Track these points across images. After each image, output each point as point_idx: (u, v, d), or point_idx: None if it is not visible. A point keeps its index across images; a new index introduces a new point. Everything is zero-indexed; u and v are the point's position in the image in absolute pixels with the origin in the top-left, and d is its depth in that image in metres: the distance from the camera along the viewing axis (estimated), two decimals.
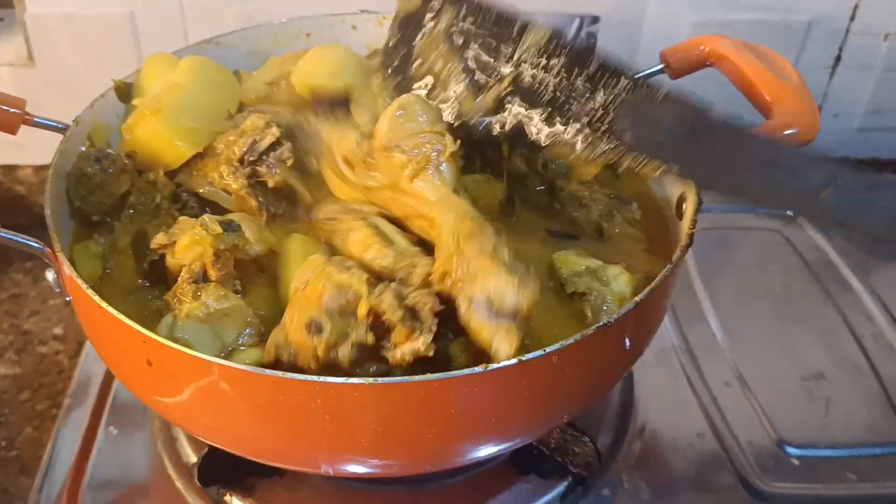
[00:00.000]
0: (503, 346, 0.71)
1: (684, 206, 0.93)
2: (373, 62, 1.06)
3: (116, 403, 1.04)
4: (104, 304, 0.73)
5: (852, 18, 1.39)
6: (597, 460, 0.94)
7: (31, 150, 1.34)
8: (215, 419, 0.76)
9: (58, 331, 1.26)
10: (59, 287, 0.83)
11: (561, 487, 0.94)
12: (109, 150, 0.93)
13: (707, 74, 1.04)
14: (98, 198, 0.90)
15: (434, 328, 0.72)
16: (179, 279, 0.80)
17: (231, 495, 0.92)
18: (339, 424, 0.71)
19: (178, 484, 0.94)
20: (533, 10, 1.31)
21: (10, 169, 1.42)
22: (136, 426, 1.01)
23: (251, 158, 0.89)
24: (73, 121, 0.95)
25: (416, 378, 0.69)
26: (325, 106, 0.95)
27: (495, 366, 0.69)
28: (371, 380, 0.69)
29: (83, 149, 0.96)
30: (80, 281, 0.76)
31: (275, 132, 0.89)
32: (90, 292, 0.75)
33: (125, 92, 1.02)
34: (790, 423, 1.04)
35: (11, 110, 0.91)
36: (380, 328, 0.73)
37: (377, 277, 0.76)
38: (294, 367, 0.75)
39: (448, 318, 0.76)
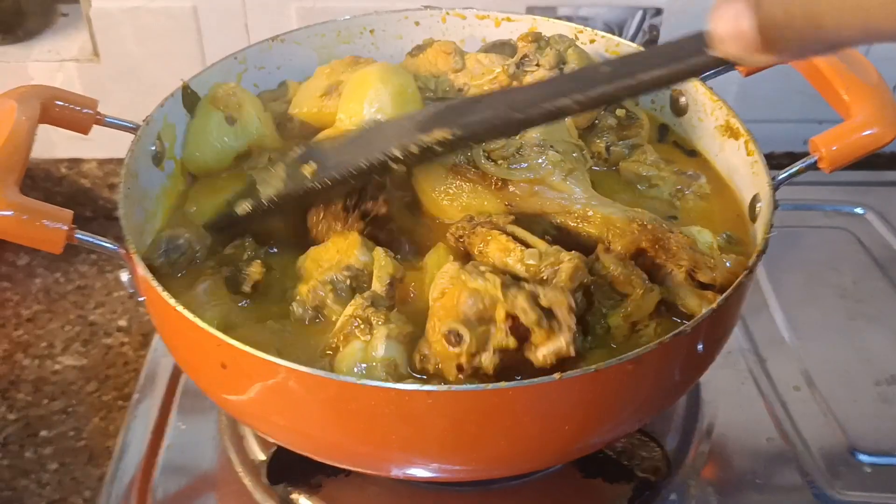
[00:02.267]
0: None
1: (758, 207, 0.91)
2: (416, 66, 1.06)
3: (184, 399, 1.05)
4: (180, 308, 0.74)
5: None
6: (665, 465, 0.93)
7: (96, 143, 1.35)
8: (287, 421, 0.77)
9: (122, 322, 1.27)
10: (133, 288, 0.84)
11: (627, 492, 0.93)
12: (180, 239, 0.89)
13: (780, 71, 1.01)
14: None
15: (573, 326, 0.72)
16: (356, 307, 0.79)
17: (298, 493, 0.92)
18: (411, 431, 0.71)
19: (246, 480, 0.95)
20: (596, 2, 1.31)
21: (75, 162, 1.44)
22: (203, 422, 1.02)
23: (353, 201, 0.88)
24: (144, 120, 0.95)
25: (490, 386, 0.68)
26: None
27: (570, 374, 0.69)
28: (444, 387, 0.69)
29: (153, 148, 0.97)
30: (155, 283, 0.76)
31: None
32: (165, 295, 0.75)
33: (192, 100, 1.02)
34: (862, 428, 1.01)
35: (84, 111, 0.91)
36: (520, 330, 0.74)
37: (516, 279, 0.77)
38: (441, 377, 0.76)
39: (601, 290, 0.80)
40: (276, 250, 0.91)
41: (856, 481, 0.97)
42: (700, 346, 0.80)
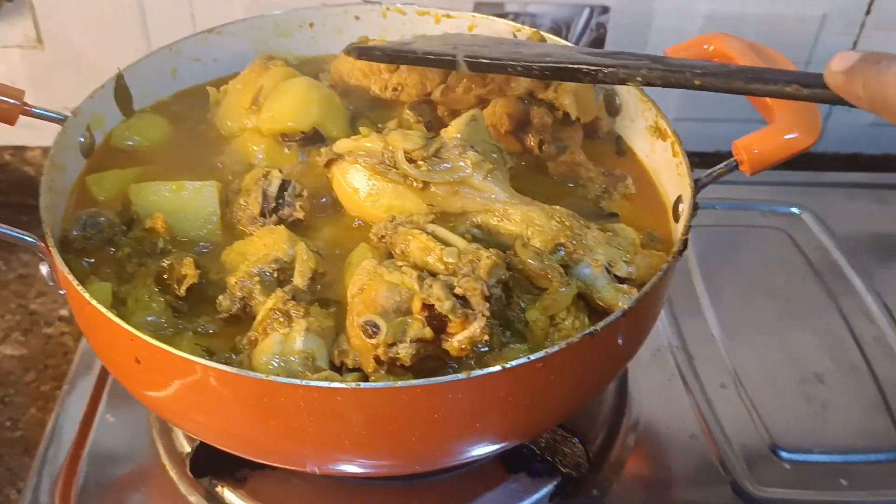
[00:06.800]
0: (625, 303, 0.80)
1: (681, 207, 0.92)
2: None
3: (115, 391, 1.05)
4: (94, 302, 0.74)
5: (868, 12, 1.36)
6: (586, 461, 0.94)
7: (40, 131, 1.34)
8: (201, 417, 0.77)
9: (64, 312, 1.27)
10: (52, 281, 0.84)
11: (550, 487, 0.94)
12: (101, 217, 0.89)
13: None
14: (88, 256, 0.89)
15: (486, 313, 0.74)
16: (276, 300, 0.80)
17: (223, 486, 0.93)
18: (323, 427, 0.72)
19: (172, 473, 0.96)
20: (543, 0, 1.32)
21: (19, 150, 1.43)
22: (132, 414, 1.02)
23: (270, 206, 0.90)
24: (72, 112, 0.95)
25: (399, 383, 0.69)
26: (297, 143, 0.98)
27: (478, 372, 0.70)
28: (354, 384, 0.69)
29: (82, 139, 0.96)
30: (71, 277, 0.77)
31: (277, 174, 0.91)
32: (80, 289, 0.75)
33: (123, 94, 1.02)
34: (785, 427, 1.03)
35: (10, 101, 0.91)
36: (437, 321, 0.75)
37: (433, 275, 0.78)
38: (360, 372, 0.77)
39: (520, 285, 0.81)
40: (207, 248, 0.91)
41: (775, 478, 0.99)
42: (616, 345, 0.81)
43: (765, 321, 1.17)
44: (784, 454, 1.01)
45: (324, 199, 0.93)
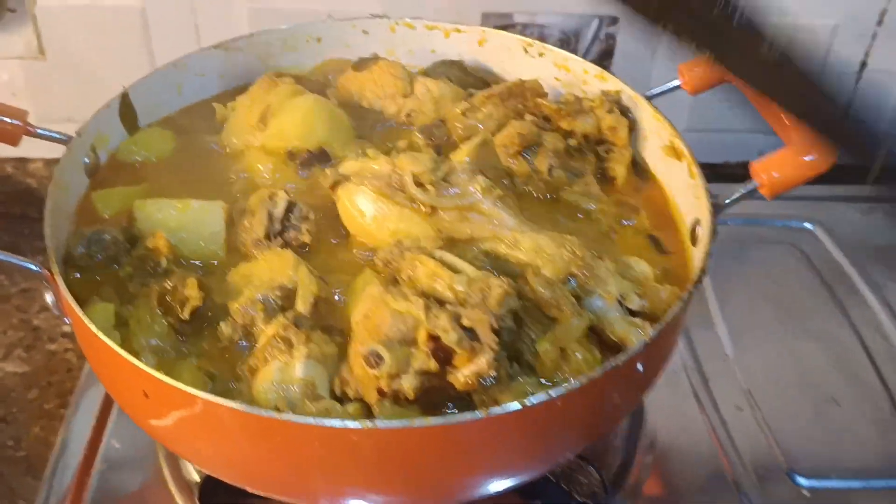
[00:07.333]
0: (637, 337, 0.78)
1: (698, 230, 0.91)
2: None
3: (120, 417, 1.03)
4: (100, 334, 0.72)
5: (879, 22, 1.35)
6: (602, 490, 0.93)
7: (43, 142, 1.33)
8: (210, 452, 0.76)
9: (67, 328, 1.25)
10: (58, 310, 0.82)
11: None
12: (105, 235, 0.87)
13: (726, 90, 1.00)
14: (92, 274, 0.87)
15: (495, 346, 0.72)
16: (277, 326, 0.78)
17: None
18: (337, 466, 0.70)
19: (180, 501, 0.94)
20: (552, 10, 1.30)
21: (22, 162, 1.42)
22: (138, 440, 1.00)
23: (276, 229, 0.88)
24: (76, 132, 0.93)
25: (416, 423, 0.67)
26: (304, 161, 0.96)
27: (497, 411, 0.68)
28: (370, 423, 0.67)
29: (86, 160, 0.95)
30: (76, 308, 0.75)
31: (283, 195, 0.89)
32: (86, 320, 0.74)
33: (128, 111, 1.00)
34: (801, 450, 1.02)
35: (13, 122, 0.89)
36: (442, 354, 0.72)
37: (441, 303, 0.76)
38: (361, 403, 0.74)
39: (531, 315, 0.78)
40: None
41: (792, 503, 0.97)
42: (637, 377, 0.80)
43: (779, 339, 1.15)
44: (801, 480, 0.99)
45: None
